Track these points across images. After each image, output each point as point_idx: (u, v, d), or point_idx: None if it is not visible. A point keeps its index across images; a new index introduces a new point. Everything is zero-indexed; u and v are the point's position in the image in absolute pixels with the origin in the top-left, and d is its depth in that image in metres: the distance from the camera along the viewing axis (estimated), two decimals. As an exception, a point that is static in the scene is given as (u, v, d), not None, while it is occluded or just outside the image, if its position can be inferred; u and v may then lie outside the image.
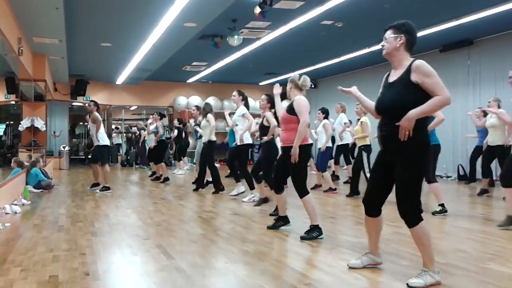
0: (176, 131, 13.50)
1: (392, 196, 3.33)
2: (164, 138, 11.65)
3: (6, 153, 12.98)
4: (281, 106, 5.30)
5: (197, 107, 10.18)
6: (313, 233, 4.65)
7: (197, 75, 16.70)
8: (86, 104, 9.33)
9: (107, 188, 8.68)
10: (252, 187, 7.32)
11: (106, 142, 8.90)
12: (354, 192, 7.96)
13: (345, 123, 9.10)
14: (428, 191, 6.41)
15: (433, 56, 12.44)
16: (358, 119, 7.99)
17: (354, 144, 8.38)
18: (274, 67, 15.20)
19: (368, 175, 7.55)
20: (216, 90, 18.42)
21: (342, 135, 9.39)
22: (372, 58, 12.18)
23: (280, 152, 5.23)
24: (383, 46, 3.27)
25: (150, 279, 3.32)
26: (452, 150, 11.99)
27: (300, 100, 4.74)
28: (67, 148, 15.91)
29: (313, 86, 17.66)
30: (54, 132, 16.14)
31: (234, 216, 6.15)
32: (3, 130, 14.28)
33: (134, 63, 13.02)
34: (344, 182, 10.27)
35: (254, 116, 8.85)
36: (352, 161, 9.34)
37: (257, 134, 7.20)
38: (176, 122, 14.19)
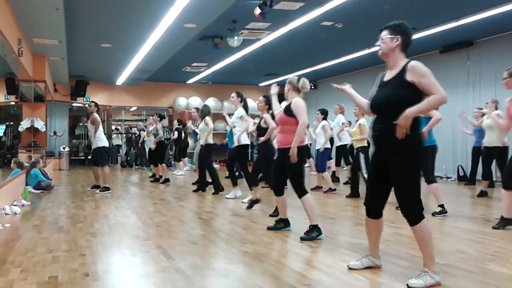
0: (176, 133, 13.51)
1: (391, 197, 3.34)
2: (163, 139, 11.65)
3: (6, 153, 12.97)
4: (279, 106, 5.30)
5: (197, 109, 10.19)
6: (313, 233, 4.65)
7: (197, 76, 16.70)
8: (87, 105, 9.34)
9: (107, 189, 8.70)
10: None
11: (105, 143, 8.92)
12: (354, 193, 7.95)
13: (343, 123, 9.08)
14: (428, 192, 6.41)
15: (433, 57, 12.45)
16: (357, 121, 8.00)
17: (352, 145, 8.38)
18: (274, 68, 15.20)
19: (365, 175, 7.55)
20: (216, 91, 18.42)
21: (341, 135, 9.40)
22: (372, 59, 12.16)
23: (276, 152, 5.24)
24: (379, 46, 3.29)
25: (150, 280, 3.32)
26: (452, 151, 12.00)
27: (298, 102, 4.75)
28: (67, 149, 15.91)
29: (313, 87, 17.68)
30: (56, 133, 16.15)
31: (234, 217, 6.15)
32: (3, 130, 14.28)
33: (134, 64, 13.02)
34: (344, 183, 10.28)
35: (254, 116, 8.86)
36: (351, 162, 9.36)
37: (255, 134, 7.22)
38: (175, 123, 14.21)
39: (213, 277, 3.45)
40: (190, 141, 14.23)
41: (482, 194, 8.10)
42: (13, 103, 12.62)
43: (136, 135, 17.22)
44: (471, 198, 8.35)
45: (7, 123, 14.08)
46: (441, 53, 12.20)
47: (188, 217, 6.26)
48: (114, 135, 18.78)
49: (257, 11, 7.95)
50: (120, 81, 16.41)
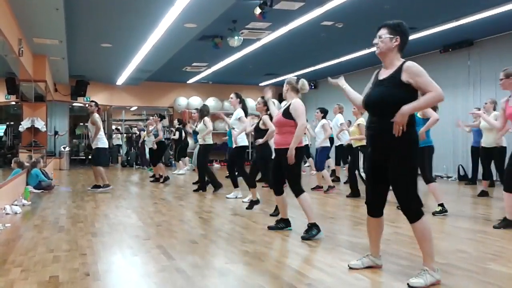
0: (177, 133, 13.52)
1: (392, 197, 3.34)
2: (164, 139, 11.68)
3: (7, 153, 12.98)
4: (276, 110, 5.30)
5: (198, 110, 10.21)
6: (312, 232, 4.67)
7: (197, 76, 16.71)
8: (87, 105, 9.35)
9: (107, 185, 8.85)
10: (236, 186, 7.54)
11: (105, 145, 9.02)
12: (354, 193, 7.95)
13: (341, 124, 9.03)
14: (428, 192, 6.42)
15: (434, 57, 12.47)
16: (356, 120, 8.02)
17: (349, 145, 8.39)
18: (274, 68, 15.20)
19: (363, 175, 7.55)
20: (216, 91, 18.42)
21: (339, 136, 9.37)
22: (372, 59, 12.07)
23: (273, 153, 5.26)
24: (377, 44, 3.28)
25: (150, 280, 3.32)
26: (453, 151, 12.00)
27: (297, 104, 4.77)
28: (67, 148, 15.92)
29: (313, 87, 17.69)
30: (57, 132, 16.19)
31: (234, 216, 6.16)
32: (3, 130, 14.28)
33: (134, 63, 13.03)
34: (345, 182, 10.28)
35: (254, 116, 8.85)
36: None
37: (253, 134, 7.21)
38: (176, 123, 14.22)
39: (214, 277, 3.45)
40: (190, 141, 14.24)
41: (483, 193, 8.10)
42: (13, 103, 12.62)
43: (136, 135, 17.24)
44: (472, 197, 8.35)
45: (8, 123, 14.09)
46: (441, 52, 12.21)
47: (189, 216, 6.27)
48: (114, 135, 18.79)
49: (257, 11, 7.95)
50: (120, 81, 16.41)
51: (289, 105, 4.80)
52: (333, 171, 11.13)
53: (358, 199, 7.70)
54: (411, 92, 3.14)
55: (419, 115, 6.07)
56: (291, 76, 5.07)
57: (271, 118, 6.16)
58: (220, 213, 6.46)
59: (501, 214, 5.60)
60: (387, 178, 3.26)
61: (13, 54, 8.31)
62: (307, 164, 13.66)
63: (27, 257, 3.92)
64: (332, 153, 10.00)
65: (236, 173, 7.67)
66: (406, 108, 3.06)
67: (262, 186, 9.03)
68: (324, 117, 8.93)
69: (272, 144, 5.48)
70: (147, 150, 13.58)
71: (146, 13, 8.19)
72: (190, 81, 17.88)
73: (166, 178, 10.65)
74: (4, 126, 14.08)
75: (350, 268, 3.53)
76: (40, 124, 11.05)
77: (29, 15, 7.81)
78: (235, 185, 7.74)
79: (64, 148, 15.74)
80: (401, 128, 3.08)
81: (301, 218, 5.43)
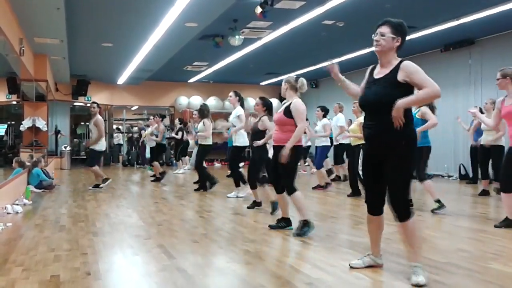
0: (180, 133, 13.54)
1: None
2: (165, 140, 11.79)
3: (8, 153, 12.99)
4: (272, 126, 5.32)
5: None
6: (305, 228, 4.73)
7: (198, 75, 16.70)
8: (90, 107, 9.37)
9: (106, 179, 8.96)
10: (238, 185, 7.59)
11: (102, 147, 9.10)
12: (354, 192, 7.95)
13: (341, 127, 8.97)
14: (424, 191, 6.43)
15: (434, 56, 12.45)
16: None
17: (346, 144, 8.42)
18: (275, 67, 15.20)
19: (361, 173, 7.57)
20: (217, 90, 18.42)
21: (338, 138, 9.31)
22: (373, 58, 12.07)
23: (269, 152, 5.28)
24: (378, 41, 3.24)
25: (151, 279, 3.32)
26: (454, 150, 11.98)
27: (298, 105, 4.79)
28: (68, 148, 15.93)
29: (314, 86, 17.68)
30: (60, 131, 16.22)
31: (235, 215, 6.16)
32: (4, 130, 14.30)
33: (135, 63, 13.03)
34: (342, 180, 10.33)
35: (253, 114, 8.82)
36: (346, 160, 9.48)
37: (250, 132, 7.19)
38: (177, 122, 14.23)
39: (215, 276, 3.45)
40: (191, 140, 14.26)
41: (484, 193, 8.10)
42: (14, 102, 12.64)
43: (136, 135, 17.25)
44: (473, 196, 8.34)
45: (9, 123, 14.10)
46: (442, 51, 12.19)
47: (189, 216, 6.27)
48: (115, 135, 18.79)
49: (258, 10, 7.95)
50: (121, 80, 16.41)
51: (290, 104, 4.81)
52: (329, 170, 11.16)
53: (358, 198, 7.69)
54: (407, 92, 3.14)
55: (417, 115, 6.08)
56: (290, 75, 5.09)
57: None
58: (221, 213, 6.46)
59: (502, 213, 5.60)
60: (384, 176, 3.27)
61: (14, 54, 8.32)
62: (306, 164, 13.66)
63: (28, 257, 3.92)
64: (331, 153, 9.97)
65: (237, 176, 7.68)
66: (401, 102, 3.06)
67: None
68: (325, 115, 8.94)
69: (270, 146, 5.49)
70: (147, 150, 13.62)
71: (147, 13, 8.19)
72: (191, 80, 17.87)
73: (163, 173, 10.83)
74: (5, 126, 14.10)
75: (351, 267, 3.53)
76: (41, 124, 11.07)
77: (30, 15, 7.81)
78: (237, 184, 7.75)
79: (65, 147, 15.76)
80: (401, 122, 3.08)
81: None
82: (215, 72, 15.77)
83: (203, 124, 8.61)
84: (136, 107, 19.89)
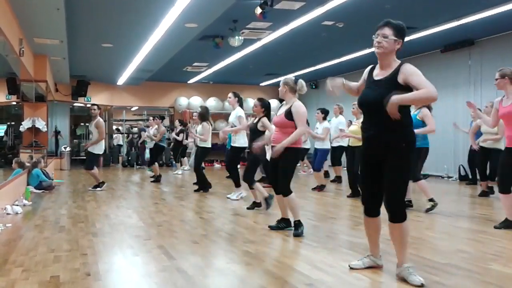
0: (181, 135, 13.54)
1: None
2: (164, 141, 11.82)
3: (7, 153, 13.00)
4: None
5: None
6: (301, 228, 4.82)
7: (198, 76, 16.71)
8: (91, 109, 9.36)
9: (102, 183, 9.14)
10: (238, 185, 7.57)
11: (100, 151, 9.18)
12: (354, 193, 7.95)
13: (341, 130, 8.94)
14: (419, 191, 6.46)
15: (434, 57, 12.46)
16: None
17: (346, 147, 8.43)
18: (275, 68, 15.20)
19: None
20: (217, 91, 18.42)
21: (338, 140, 9.28)
22: (373, 58, 12.10)
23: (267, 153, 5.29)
24: (380, 43, 3.22)
25: (151, 280, 3.32)
26: (454, 151, 11.99)
27: (300, 108, 4.82)
28: (68, 148, 15.94)
29: (314, 87, 17.68)
30: (59, 132, 16.22)
31: (235, 216, 6.16)
32: (4, 130, 14.31)
33: (135, 63, 13.03)
34: (331, 181, 10.42)
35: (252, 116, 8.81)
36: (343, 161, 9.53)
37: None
38: (177, 123, 14.23)
39: (214, 277, 3.45)
40: (191, 142, 14.28)
41: (483, 194, 8.10)
42: (14, 103, 12.64)
43: (136, 135, 17.25)
44: (472, 197, 8.34)
45: (8, 123, 14.11)
46: (442, 52, 12.19)
47: (189, 216, 6.27)
48: (115, 135, 18.79)
49: (258, 10, 7.95)
50: (121, 81, 16.41)
51: (291, 106, 4.82)
52: (326, 172, 11.18)
53: (358, 199, 7.67)
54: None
55: (418, 117, 6.09)
56: (288, 76, 5.09)
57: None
58: (220, 213, 6.46)
59: (501, 214, 5.59)
60: (382, 177, 3.27)
61: (13, 54, 8.31)
62: (305, 165, 13.65)
63: (28, 257, 3.92)
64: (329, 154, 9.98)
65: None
66: (395, 98, 3.04)
67: (263, 186, 9.02)
68: (325, 118, 8.96)
69: (268, 148, 5.49)
70: (147, 151, 13.64)
71: (147, 13, 8.19)
72: (191, 81, 17.88)
73: (158, 177, 10.89)
74: (5, 126, 14.10)
75: (351, 268, 3.53)
76: (41, 124, 11.06)
77: (30, 15, 7.81)
78: (237, 185, 7.75)
79: (65, 148, 15.75)
80: (397, 116, 3.07)
81: (302, 218, 5.43)
82: (215, 73, 15.78)
83: (202, 127, 8.66)
84: (136, 107, 19.89)
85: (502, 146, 7.47)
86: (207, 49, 11.39)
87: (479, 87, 11.49)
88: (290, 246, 4.50)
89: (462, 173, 11.30)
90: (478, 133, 8.40)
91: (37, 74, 11.00)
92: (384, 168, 3.22)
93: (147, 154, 13.37)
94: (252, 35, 10.41)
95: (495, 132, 7.32)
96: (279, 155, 4.74)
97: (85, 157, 18.09)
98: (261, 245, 4.41)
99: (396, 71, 3.19)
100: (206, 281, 3.31)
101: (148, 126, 13.81)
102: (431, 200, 6.29)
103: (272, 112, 6.47)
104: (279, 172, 4.83)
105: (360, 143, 7.66)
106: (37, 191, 8.50)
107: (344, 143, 8.82)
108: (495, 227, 5.20)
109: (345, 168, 11.42)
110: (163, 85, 18.16)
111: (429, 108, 6.25)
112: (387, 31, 3.21)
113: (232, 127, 7.53)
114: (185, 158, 14.41)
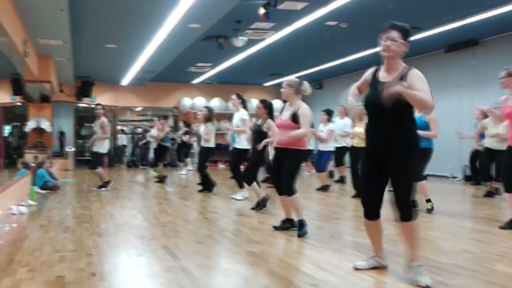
0: (187, 136, 13.56)
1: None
2: (168, 142, 11.83)
3: (12, 154, 13.06)
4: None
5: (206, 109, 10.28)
6: (305, 228, 4.83)
7: (202, 76, 16.73)
8: (95, 109, 9.38)
9: (107, 182, 9.17)
10: (242, 186, 7.57)
11: (104, 150, 9.24)
12: (359, 193, 7.92)
13: (345, 132, 8.91)
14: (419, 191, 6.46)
15: (438, 57, 12.42)
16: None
17: (349, 147, 8.42)
18: (279, 68, 15.20)
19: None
20: (221, 91, 18.42)
21: (341, 140, 9.26)
22: (377, 58, 12.10)
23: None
24: (389, 46, 3.20)
25: (156, 280, 3.33)
26: (458, 151, 11.93)
27: (306, 111, 4.86)
28: (73, 149, 15.99)
29: (318, 87, 17.66)
30: (64, 133, 16.28)
31: (240, 216, 6.16)
32: (9, 131, 14.37)
33: (139, 64, 13.05)
34: (336, 181, 10.38)
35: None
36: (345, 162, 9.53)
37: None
38: (181, 125, 14.25)
39: (219, 277, 3.46)
40: (194, 142, 14.30)
41: (488, 194, 8.08)
42: (19, 103, 12.69)
43: (141, 136, 17.28)
44: (477, 198, 8.31)
45: (13, 124, 14.18)
46: (446, 52, 12.15)
47: (194, 217, 6.28)
48: (119, 136, 18.83)
49: (261, 11, 7.95)
50: (125, 81, 16.45)
51: (298, 109, 4.84)
52: (331, 173, 11.15)
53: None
54: None
55: (425, 119, 6.09)
56: (290, 78, 5.11)
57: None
58: (225, 214, 6.47)
59: (506, 215, 5.58)
60: (383, 179, 3.28)
61: (18, 55, 8.35)
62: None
63: (34, 257, 3.94)
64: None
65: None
66: (400, 87, 3.02)
67: (267, 187, 9.04)
68: (329, 119, 8.95)
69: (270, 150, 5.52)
70: (151, 151, 13.67)
71: (151, 14, 8.21)
72: (195, 81, 17.90)
73: (164, 178, 10.89)
74: (10, 127, 14.17)
75: (356, 268, 3.53)
76: (45, 125, 11.11)
77: (34, 16, 7.84)
78: (240, 185, 7.76)
79: (70, 148, 15.81)
80: (389, 101, 3.03)
81: (306, 218, 5.43)
82: (219, 73, 15.79)
83: (206, 127, 8.67)
84: (141, 108, 19.93)
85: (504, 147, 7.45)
86: (210, 49, 11.40)
87: (484, 87, 11.43)
88: (295, 247, 4.50)
89: (467, 173, 11.26)
90: (481, 134, 8.38)
91: (41, 75, 11.05)
92: (389, 169, 3.22)
93: (151, 154, 13.42)
94: (255, 36, 10.41)
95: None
96: (283, 156, 4.77)
97: (90, 157, 18.31)
98: (266, 245, 4.41)
99: (405, 75, 3.18)
100: (211, 281, 3.32)
101: (151, 127, 13.85)
102: (428, 200, 6.33)
103: (275, 113, 6.46)
104: (284, 172, 4.84)
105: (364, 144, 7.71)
106: (42, 191, 8.53)
107: (348, 143, 8.81)
108: (500, 228, 5.19)
109: (349, 168, 11.44)
110: (167, 86, 18.18)
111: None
112: (395, 34, 3.18)
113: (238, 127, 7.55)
114: (189, 158, 14.43)
